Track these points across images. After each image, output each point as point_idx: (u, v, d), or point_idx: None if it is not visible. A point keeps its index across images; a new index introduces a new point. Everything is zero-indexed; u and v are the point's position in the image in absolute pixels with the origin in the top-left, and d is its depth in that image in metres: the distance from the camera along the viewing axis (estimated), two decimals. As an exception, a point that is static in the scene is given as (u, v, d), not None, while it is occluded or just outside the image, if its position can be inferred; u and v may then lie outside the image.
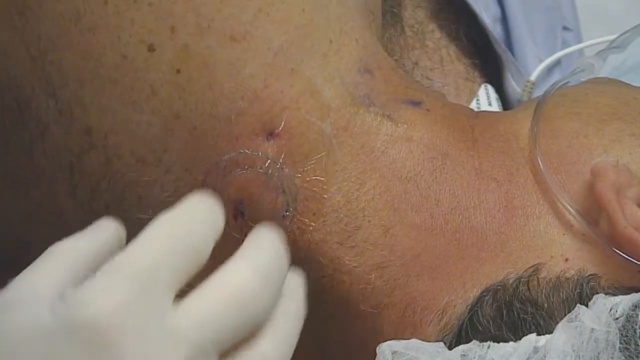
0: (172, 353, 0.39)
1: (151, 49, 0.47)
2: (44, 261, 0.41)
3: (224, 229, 0.47)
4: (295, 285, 0.43)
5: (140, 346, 0.38)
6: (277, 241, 0.42)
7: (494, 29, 0.73)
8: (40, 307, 0.39)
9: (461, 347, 0.47)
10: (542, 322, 0.48)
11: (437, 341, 0.48)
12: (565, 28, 0.78)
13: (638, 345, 0.45)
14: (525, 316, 0.48)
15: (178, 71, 0.47)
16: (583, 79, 0.60)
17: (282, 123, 0.48)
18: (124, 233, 0.44)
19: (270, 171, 0.49)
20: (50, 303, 0.39)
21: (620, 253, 0.48)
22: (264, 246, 0.41)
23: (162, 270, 0.40)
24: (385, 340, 0.47)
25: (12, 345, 0.38)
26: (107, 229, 0.43)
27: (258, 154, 0.48)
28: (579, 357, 0.45)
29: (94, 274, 0.40)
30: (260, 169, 0.48)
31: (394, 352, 0.46)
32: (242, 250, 0.41)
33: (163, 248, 0.40)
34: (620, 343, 0.45)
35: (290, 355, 0.42)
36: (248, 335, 0.40)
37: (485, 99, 0.71)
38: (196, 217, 0.41)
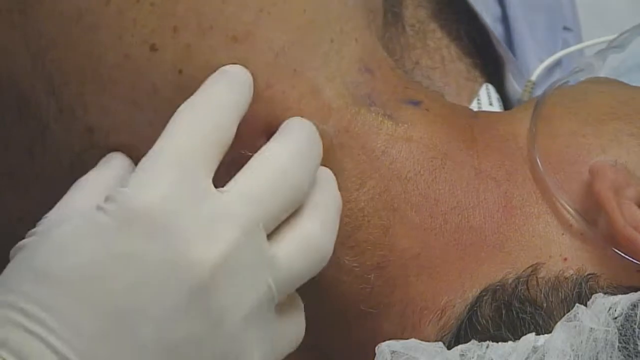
0: (226, 229, 0.41)
1: (153, 48, 0.47)
2: (74, 190, 0.45)
3: None
4: (327, 175, 0.47)
5: (196, 226, 0.41)
6: (310, 127, 0.46)
7: (495, 29, 0.73)
8: (89, 212, 0.41)
9: (460, 346, 0.47)
10: (541, 322, 0.48)
11: (436, 341, 0.48)
12: (565, 28, 0.78)
13: (637, 344, 0.45)
14: (524, 316, 0.48)
15: (180, 71, 0.47)
16: (582, 79, 0.60)
17: None
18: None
19: (271, 171, 0.49)
20: (98, 205, 0.41)
21: (619, 252, 0.48)
22: (297, 128, 0.46)
23: (199, 151, 0.42)
24: (385, 340, 0.48)
25: (70, 248, 0.40)
26: (119, 157, 0.47)
27: (260, 155, 0.48)
28: (578, 357, 0.45)
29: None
30: (261, 168, 0.49)
31: (393, 352, 0.47)
32: (277, 135, 0.45)
33: (194, 130, 0.43)
34: (619, 342, 0.45)
35: (333, 238, 0.45)
36: (290, 217, 0.44)
37: (486, 98, 0.71)
38: (218, 95, 0.45)
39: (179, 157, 0.42)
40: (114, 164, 0.47)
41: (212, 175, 0.43)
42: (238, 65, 0.47)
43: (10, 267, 0.41)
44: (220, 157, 0.43)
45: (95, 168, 0.47)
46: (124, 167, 0.47)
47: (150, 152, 0.43)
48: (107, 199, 0.41)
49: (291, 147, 0.45)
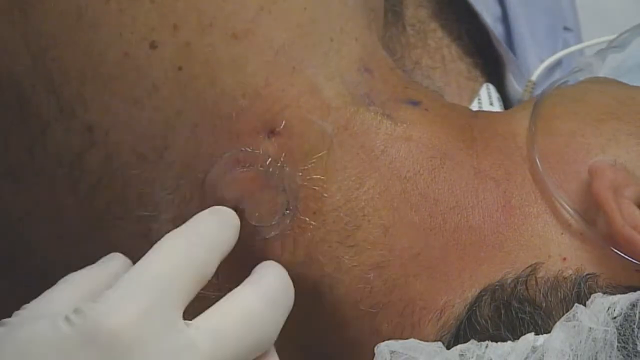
0: None
1: (153, 46, 0.47)
2: (59, 285, 0.45)
3: None
4: None
5: (159, 356, 0.41)
6: (282, 271, 0.47)
7: (495, 29, 0.73)
8: (56, 319, 0.41)
9: (459, 346, 0.47)
10: (540, 322, 0.48)
11: (435, 341, 0.48)
12: (566, 28, 0.78)
13: (636, 344, 0.45)
14: (524, 316, 0.48)
15: (180, 68, 0.47)
16: (581, 78, 0.60)
17: (283, 122, 0.48)
18: (131, 264, 0.47)
19: (271, 169, 0.49)
20: (67, 316, 0.41)
21: (618, 252, 0.48)
22: (270, 274, 0.46)
23: (175, 283, 0.43)
24: (384, 340, 0.48)
25: (26, 355, 0.40)
26: (117, 258, 0.47)
27: (259, 152, 0.48)
28: (577, 357, 0.45)
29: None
30: (261, 167, 0.48)
31: (392, 352, 0.47)
32: (250, 278, 0.46)
33: (174, 262, 0.43)
34: (618, 342, 0.45)
35: None
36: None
37: (487, 98, 0.71)
38: (205, 233, 0.45)
39: (155, 285, 0.42)
40: (111, 265, 0.47)
41: (184, 307, 0.43)
42: (229, 209, 0.47)
43: None
44: (195, 292, 0.44)
45: (91, 266, 0.46)
46: (118, 270, 0.46)
47: (129, 272, 0.43)
48: (76, 310, 0.41)
49: (264, 292, 0.45)
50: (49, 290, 0.44)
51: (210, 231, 0.46)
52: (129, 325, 0.40)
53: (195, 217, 0.46)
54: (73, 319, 0.41)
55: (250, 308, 0.44)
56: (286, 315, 0.46)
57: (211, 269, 0.45)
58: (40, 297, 0.44)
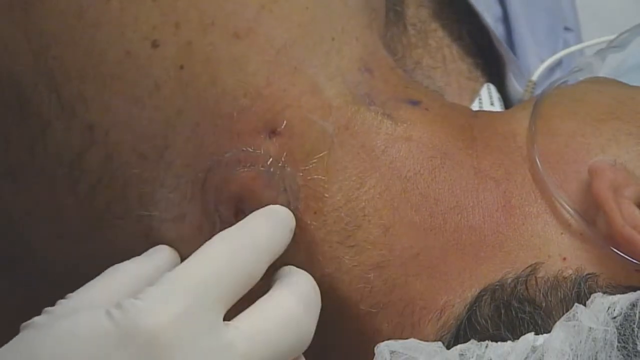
0: None
1: (155, 45, 0.47)
2: (102, 277, 0.45)
3: (226, 227, 0.48)
4: None
5: (195, 357, 0.41)
6: (310, 276, 0.47)
7: (496, 29, 0.73)
8: (97, 312, 0.42)
9: (459, 346, 0.47)
10: (540, 322, 0.48)
11: (435, 341, 0.48)
12: (566, 28, 0.78)
13: (636, 344, 0.45)
14: (523, 315, 0.48)
15: (181, 67, 0.47)
16: (581, 78, 0.60)
17: (284, 121, 0.48)
18: (179, 258, 0.48)
19: (272, 169, 0.49)
20: (107, 310, 0.41)
21: (618, 252, 0.48)
22: (303, 278, 0.47)
23: (218, 286, 0.43)
24: (384, 340, 0.48)
25: (65, 347, 0.40)
26: (162, 251, 0.47)
27: (260, 152, 0.48)
28: (577, 356, 0.45)
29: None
30: (262, 167, 0.48)
31: (392, 352, 0.47)
32: (284, 280, 0.46)
33: (219, 265, 0.44)
34: (618, 342, 0.45)
35: None
36: None
37: (488, 98, 0.71)
38: (255, 235, 0.46)
39: (199, 286, 0.43)
40: (157, 257, 0.47)
41: (226, 309, 0.43)
42: (285, 209, 0.48)
43: (14, 345, 0.42)
44: (240, 294, 0.44)
45: (137, 257, 0.47)
46: (164, 264, 0.47)
47: (174, 271, 0.43)
48: (118, 306, 0.42)
49: (301, 295, 0.46)
50: (94, 280, 0.45)
51: (261, 232, 0.46)
52: (167, 325, 0.41)
53: (249, 216, 0.47)
54: (114, 314, 0.41)
55: (289, 311, 0.45)
56: (317, 320, 0.46)
57: (259, 271, 0.45)
58: (83, 287, 0.44)
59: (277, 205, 0.48)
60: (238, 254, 0.44)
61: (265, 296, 0.45)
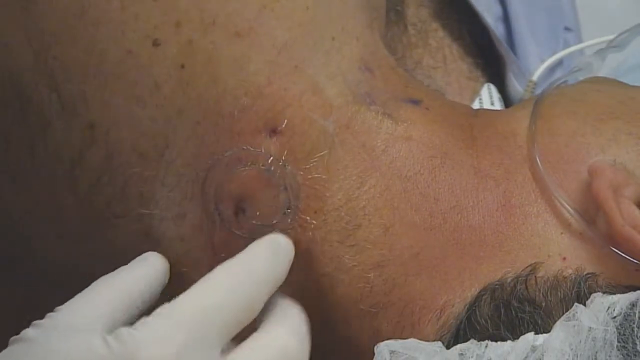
0: None
1: (156, 44, 0.47)
2: (93, 290, 0.45)
3: (226, 226, 0.48)
4: None
5: None
6: (299, 305, 0.47)
7: (496, 29, 0.73)
8: (93, 337, 0.41)
9: (459, 346, 0.47)
10: (539, 321, 0.48)
11: (435, 340, 0.48)
12: (566, 28, 0.78)
13: (636, 343, 0.45)
14: (523, 315, 0.48)
15: (182, 66, 0.47)
16: (581, 78, 0.60)
17: (285, 120, 0.48)
18: (168, 267, 0.48)
19: (272, 168, 0.49)
20: (105, 338, 0.41)
21: (618, 252, 0.48)
22: (294, 311, 0.47)
23: (217, 320, 0.43)
24: (384, 340, 0.48)
25: None
26: (149, 260, 0.47)
27: (260, 151, 0.48)
28: (577, 356, 0.45)
29: (147, 316, 0.43)
30: (262, 165, 0.49)
31: (392, 352, 0.47)
32: (276, 317, 0.46)
33: (220, 298, 0.44)
34: (618, 342, 0.45)
35: None
36: None
37: (488, 98, 0.71)
38: (256, 268, 0.46)
39: (199, 320, 0.43)
40: (144, 269, 0.47)
41: (225, 342, 0.44)
42: (287, 240, 0.48)
43: (2, 359, 0.41)
44: (240, 327, 0.45)
45: (123, 268, 0.47)
46: (152, 275, 0.47)
47: (173, 302, 0.43)
48: (115, 334, 0.42)
49: (295, 328, 0.46)
50: (83, 293, 0.44)
51: (261, 265, 0.46)
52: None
53: (249, 247, 0.47)
54: (111, 343, 0.41)
55: (285, 345, 0.45)
56: (309, 351, 0.46)
57: (259, 304, 0.45)
58: (74, 299, 0.44)
59: (279, 235, 0.48)
60: (238, 287, 0.45)
61: (260, 330, 0.45)
